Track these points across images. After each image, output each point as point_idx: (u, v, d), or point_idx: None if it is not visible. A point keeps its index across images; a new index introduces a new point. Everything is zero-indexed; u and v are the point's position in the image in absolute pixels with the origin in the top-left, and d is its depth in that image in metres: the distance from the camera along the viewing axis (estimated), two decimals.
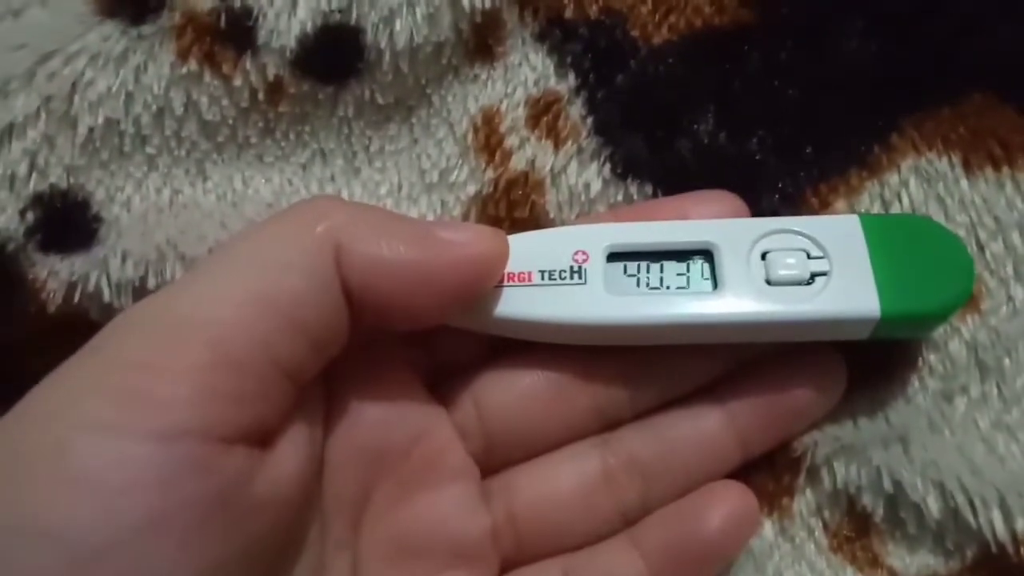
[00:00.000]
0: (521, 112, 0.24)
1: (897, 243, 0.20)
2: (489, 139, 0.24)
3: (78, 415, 0.15)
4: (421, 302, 0.18)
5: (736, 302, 0.19)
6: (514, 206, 0.24)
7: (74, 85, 0.22)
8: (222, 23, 0.22)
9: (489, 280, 0.19)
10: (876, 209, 0.23)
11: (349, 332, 0.18)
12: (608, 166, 0.24)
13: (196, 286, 0.17)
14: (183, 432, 0.15)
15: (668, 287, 0.20)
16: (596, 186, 0.24)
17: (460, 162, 0.24)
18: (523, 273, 0.20)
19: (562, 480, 0.21)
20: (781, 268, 0.20)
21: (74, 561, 0.14)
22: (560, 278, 0.20)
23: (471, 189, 0.24)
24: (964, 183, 0.23)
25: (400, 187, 0.25)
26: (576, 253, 0.20)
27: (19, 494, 0.14)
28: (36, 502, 0.14)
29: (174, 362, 0.15)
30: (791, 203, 0.23)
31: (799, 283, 0.20)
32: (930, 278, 0.19)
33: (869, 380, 0.22)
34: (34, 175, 0.22)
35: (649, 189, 0.24)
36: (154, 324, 0.16)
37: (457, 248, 0.18)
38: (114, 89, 0.22)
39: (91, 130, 0.22)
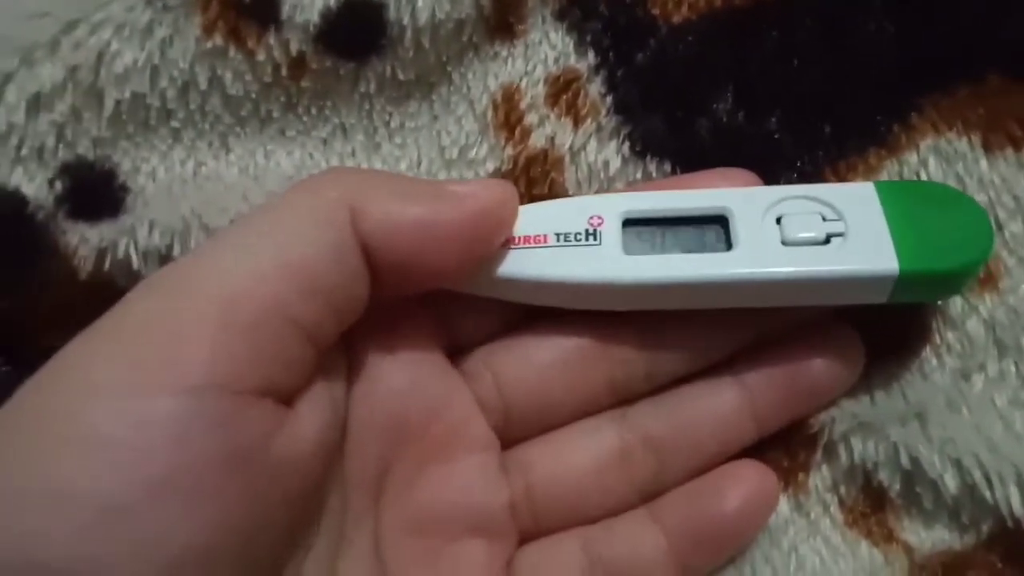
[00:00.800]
0: (541, 90, 0.25)
1: (913, 206, 0.20)
2: (509, 116, 0.24)
3: (92, 377, 0.15)
4: (437, 257, 0.18)
5: (751, 261, 0.19)
6: (533, 183, 0.24)
7: (100, 56, 0.22)
8: None
9: (500, 230, 0.19)
10: None
11: (367, 294, 0.18)
12: (627, 144, 0.24)
13: (212, 252, 0.17)
14: (198, 389, 0.15)
15: (683, 249, 0.20)
16: (615, 164, 0.24)
17: (480, 139, 0.25)
18: (539, 236, 0.20)
19: (579, 455, 0.21)
20: (796, 229, 0.20)
21: (88, 521, 0.14)
22: (575, 240, 0.20)
23: (490, 166, 0.24)
24: (983, 163, 0.23)
25: (420, 163, 0.25)
26: (592, 218, 0.20)
27: (32, 456, 0.14)
28: (48, 463, 0.14)
29: (189, 323, 0.15)
30: (809, 181, 0.23)
31: (815, 243, 0.20)
32: (948, 237, 0.19)
33: (886, 358, 0.22)
34: (61, 146, 0.22)
35: (668, 167, 0.24)
36: (170, 289, 0.16)
37: (468, 200, 0.18)
38: (140, 63, 0.22)
39: (118, 103, 0.22)
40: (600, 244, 0.20)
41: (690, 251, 0.20)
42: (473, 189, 0.19)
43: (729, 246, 0.20)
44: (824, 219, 0.20)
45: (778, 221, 0.20)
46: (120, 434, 0.14)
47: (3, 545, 0.14)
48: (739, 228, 0.20)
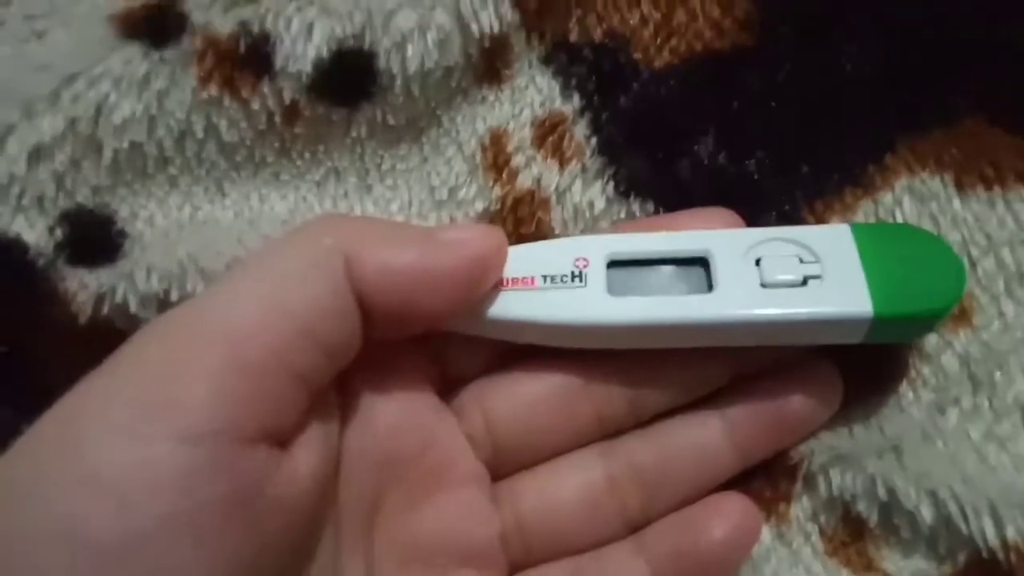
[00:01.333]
0: (528, 132, 0.25)
1: (888, 248, 0.20)
2: (497, 158, 0.25)
3: (99, 418, 0.15)
4: (428, 302, 0.19)
5: (731, 303, 0.20)
6: (521, 223, 0.25)
7: (99, 108, 0.23)
8: (241, 48, 0.23)
9: (491, 275, 0.20)
10: None
11: (361, 338, 0.19)
12: (612, 184, 0.25)
13: (213, 298, 0.17)
14: (202, 434, 0.15)
15: (666, 290, 0.21)
16: (600, 204, 0.25)
17: (469, 180, 0.25)
18: (526, 278, 0.21)
19: (567, 487, 0.22)
20: (775, 271, 0.20)
21: (92, 560, 0.14)
22: (562, 281, 0.21)
23: (479, 206, 0.25)
24: (956, 202, 0.23)
25: (411, 204, 0.25)
26: (577, 259, 0.21)
27: (39, 493, 0.15)
28: (55, 501, 0.15)
29: (192, 368, 0.16)
30: (788, 221, 0.24)
31: (792, 285, 0.20)
32: (921, 280, 0.20)
33: (864, 391, 0.23)
34: (61, 195, 0.23)
35: (651, 207, 0.25)
36: (174, 334, 0.17)
37: (458, 247, 0.19)
38: (138, 114, 0.23)
39: (116, 153, 0.23)
40: (586, 286, 0.21)
41: (673, 293, 0.21)
42: (464, 236, 0.19)
43: (710, 287, 0.21)
44: (801, 261, 0.20)
45: (757, 263, 0.21)
46: (128, 476, 0.15)
47: None
48: (720, 269, 0.21)
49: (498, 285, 0.21)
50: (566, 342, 0.21)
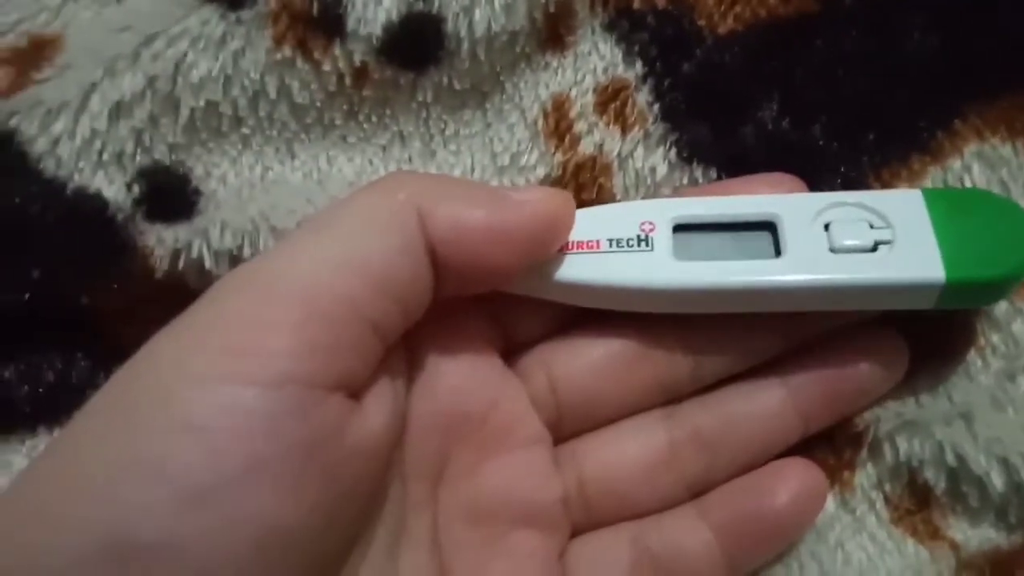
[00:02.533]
0: (590, 99, 0.25)
1: (960, 214, 0.20)
2: (559, 124, 0.25)
3: (185, 365, 0.16)
4: (499, 259, 0.19)
5: (800, 268, 0.20)
6: (582, 188, 0.25)
7: (177, 67, 0.23)
8: (314, 11, 0.23)
9: (559, 235, 0.20)
10: None
11: (432, 292, 0.19)
12: (674, 151, 0.25)
13: (289, 251, 0.18)
14: (283, 380, 0.16)
15: (733, 255, 0.21)
16: (662, 170, 0.25)
17: (530, 146, 0.25)
18: (591, 242, 0.21)
19: (629, 451, 0.22)
20: (844, 237, 0.20)
21: (181, 499, 0.14)
22: (628, 245, 0.21)
23: (541, 172, 0.25)
24: None
25: (473, 169, 0.26)
26: (643, 223, 0.21)
27: (131, 436, 0.15)
28: (147, 444, 0.15)
29: (273, 317, 0.16)
30: (853, 188, 0.24)
31: (862, 251, 0.20)
32: (994, 246, 0.20)
33: (931, 359, 0.23)
34: (139, 152, 0.24)
35: (713, 173, 0.25)
36: (253, 284, 0.17)
37: (529, 206, 0.19)
38: (215, 72, 0.23)
39: (192, 111, 0.24)
40: (652, 250, 0.21)
41: (740, 257, 0.21)
42: (534, 196, 0.19)
43: (778, 252, 0.20)
44: (872, 226, 0.20)
45: (826, 228, 0.20)
46: (212, 420, 0.15)
47: (100, 521, 0.14)
48: (787, 234, 0.20)
49: (563, 248, 0.21)
50: (631, 306, 0.21)
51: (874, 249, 0.20)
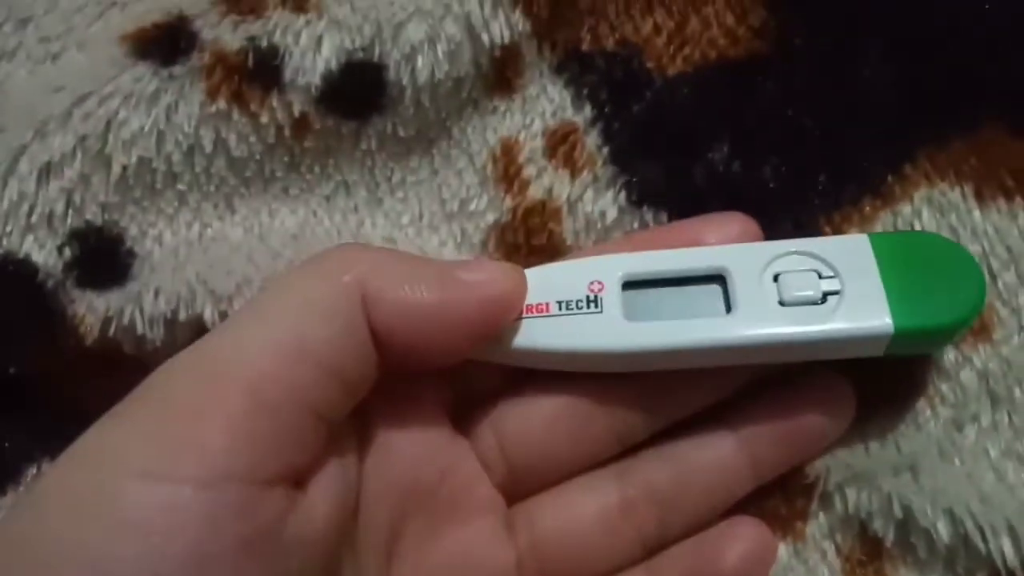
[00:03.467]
0: (539, 142, 0.25)
1: (907, 259, 0.20)
2: (508, 169, 0.25)
3: (127, 461, 0.16)
4: (446, 342, 0.19)
5: (750, 324, 0.20)
6: (532, 234, 0.25)
7: (108, 124, 0.23)
8: (250, 62, 0.23)
9: (509, 316, 0.20)
10: None
11: (377, 373, 0.19)
12: (624, 194, 0.24)
13: (233, 336, 0.17)
14: (225, 477, 0.15)
15: (683, 313, 0.21)
16: (612, 214, 0.24)
17: (479, 192, 0.25)
18: (541, 305, 0.20)
19: (582, 511, 0.21)
20: (793, 289, 0.20)
21: None
22: (577, 308, 0.20)
23: (490, 218, 0.25)
24: (976, 213, 0.23)
25: (421, 216, 0.25)
26: (592, 283, 0.21)
27: (68, 532, 0.15)
28: (85, 541, 0.15)
29: (213, 409, 0.16)
30: (805, 232, 0.24)
31: (812, 303, 0.20)
32: (942, 291, 0.20)
33: (880, 408, 0.23)
34: (71, 212, 0.23)
35: (664, 216, 0.24)
36: (195, 372, 0.17)
37: (478, 288, 0.19)
38: (146, 128, 0.23)
39: (124, 168, 0.23)
40: (601, 311, 0.20)
41: (690, 315, 0.20)
42: (484, 276, 0.19)
43: (728, 307, 0.20)
44: (820, 275, 0.20)
45: (775, 279, 0.20)
46: (150, 518, 0.15)
47: None
48: (738, 288, 0.20)
49: None
50: (583, 368, 0.21)
51: (823, 300, 0.20)
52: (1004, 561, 0.20)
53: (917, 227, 0.23)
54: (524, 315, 0.20)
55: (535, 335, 0.20)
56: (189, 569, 0.15)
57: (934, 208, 0.23)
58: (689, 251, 0.21)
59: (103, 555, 0.15)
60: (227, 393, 0.16)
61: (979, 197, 0.23)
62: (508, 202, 0.25)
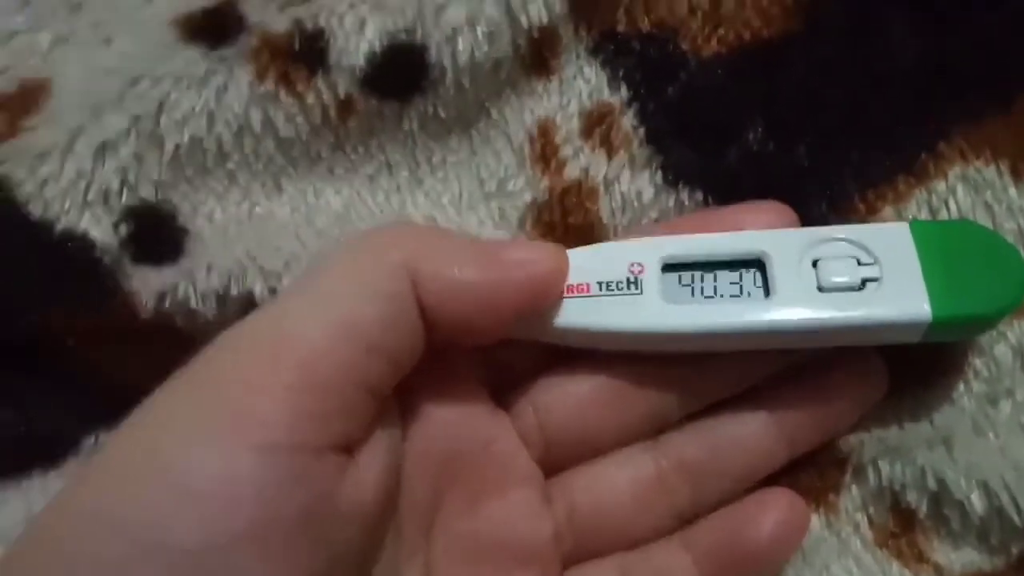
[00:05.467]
0: (575, 123, 0.25)
1: (947, 248, 0.20)
2: (545, 149, 0.25)
3: (184, 430, 0.16)
4: (491, 320, 0.19)
5: (788, 308, 0.20)
6: (568, 213, 0.25)
7: (160, 105, 0.23)
8: (296, 44, 0.24)
9: (552, 295, 0.20)
10: (923, 215, 0.24)
11: (424, 348, 0.19)
12: (659, 174, 0.25)
13: (287, 311, 0.18)
14: (279, 447, 0.16)
15: (722, 295, 0.21)
16: (648, 193, 0.25)
17: (517, 172, 0.26)
18: (581, 285, 0.21)
19: (618, 482, 0.22)
20: (832, 275, 0.20)
21: (175, 565, 0.15)
22: (617, 289, 0.21)
23: (527, 197, 0.25)
24: (1012, 191, 0.23)
25: (461, 196, 0.26)
26: (632, 265, 0.21)
27: (130, 501, 0.15)
28: (147, 510, 0.15)
29: (270, 382, 0.16)
30: (838, 209, 0.24)
31: (850, 289, 0.20)
32: (981, 281, 0.20)
33: (914, 383, 0.23)
34: (126, 190, 0.24)
35: (700, 196, 0.25)
36: (249, 347, 0.17)
37: (523, 268, 0.19)
38: (197, 109, 0.23)
39: (177, 148, 0.24)
40: (641, 293, 0.21)
41: (729, 298, 0.21)
42: (529, 256, 0.20)
43: (767, 292, 0.20)
44: (859, 263, 0.20)
45: (814, 264, 0.21)
46: (208, 487, 0.15)
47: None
48: (777, 272, 0.20)
49: None
50: (622, 348, 0.21)
51: (862, 287, 0.20)
52: None
53: (951, 204, 0.23)
54: (565, 295, 0.21)
55: (575, 315, 0.21)
56: (245, 541, 0.15)
57: (969, 185, 0.23)
58: (729, 235, 0.22)
59: (161, 525, 0.15)
60: (281, 368, 0.17)
61: (1015, 174, 0.23)
62: (545, 182, 0.25)
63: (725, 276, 0.21)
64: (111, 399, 0.18)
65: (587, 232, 0.25)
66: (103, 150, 0.23)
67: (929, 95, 0.24)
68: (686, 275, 0.21)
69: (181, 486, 0.15)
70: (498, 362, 0.22)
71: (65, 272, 0.23)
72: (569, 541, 0.22)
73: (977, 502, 0.21)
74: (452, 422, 0.21)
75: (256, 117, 0.24)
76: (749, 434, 0.22)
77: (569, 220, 0.25)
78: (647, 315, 0.20)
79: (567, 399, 0.22)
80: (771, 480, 0.22)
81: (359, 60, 0.24)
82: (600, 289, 0.21)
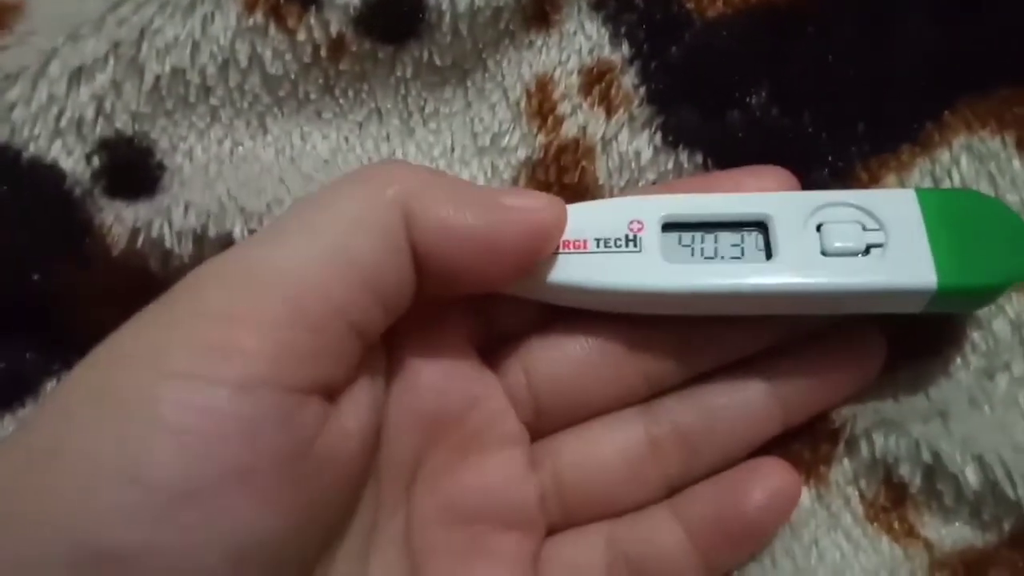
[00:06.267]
0: (575, 80, 0.25)
1: (954, 217, 0.20)
2: (542, 105, 0.25)
3: (166, 364, 0.15)
4: (485, 266, 0.18)
5: (790, 271, 0.20)
6: (564, 172, 0.24)
7: (142, 32, 0.22)
8: None
9: (549, 245, 0.19)
10: (926, 185, 0.23)
11: (414, 293, 0.18)
12: (659, 134, 0.24)
13: (274, 243, 0.17)
14: (263, 383, 0.15)
15: (723, 256, 0.20)
16: (647, 154, 0.24)
17: (512, 127, 0.25)
18: (578, 241, 0.20)
19: (607, 448, 0.21)
20: (836, 239, 0.20)
21: (160, 504, 0.14)
22: (615, 246, 0.20)
23: (522, 154, 0.25)
24: (1016, 163, 0.23)
25: (453, 149, 0.25)
26: (632, 222, 0.20)
27: (103, 437, 0.15)
28: (124, 444, 0.14)
29: (255, 316, 0.16)
30: (841, 177, 0.24)
31: (854, 254, 0.20)
32: (987, 251, 0.20)
33: (911, 356, 0.23)
34: (100, 120, 0.22)
35: (700, 158, 0.24)
36: (234, 277, 0.16)
37: (521, 214, 0.18)
38: (181, 38, 0.22)
39: (158, 78, 0.23)
40: (640, 251, 0.20)
41: (731, 259, 0.20)
42: (528, 203, 0.19)
43: (769, 255, 0.20)
44: (864, 228, 0.20)
45: (818, 228, 0.20)
46: (190, 423, 0.15)
47: (72, 528, 0.14)
48: (779, 235, 0.20)
49: None
50: (619, 307, 0.21)
51: (866, 252, 0.20)
52: None
53: (955, 175, 0.23)
54: (562, 251, 0.20)
55: (571, 271, 0.20)
56: (227, 477, 0.15)
57: (973, 156, 0.23)
58: (732, 196, 0.21)
59: (139, 459, 0.14)
60: (267, 300, 0.16)
61: (1020, 146, 0.23)
62: (541, 139, 0.24)
63: (726, 237, 0.21)
64: (80, 345, 0.16)
65: (582, 192, 0.24)
66: (79, 75, 0.22)
67: (939, 66, 0.24)
68: (686, 235, 0.21)
69: (158, 420, 0.14)
70: (489, 321, 0.22)
71: (31, 201, 0.22)
72: (555, 506, 0.21)
73: (971, 476, 0.21)
74: (438, 379, 0.20)
75: (243, 51, 0.23)
76: (744, 402, 0.21)
77: (564, 179, 0.24)
78: (645, 274, 0.20)
79: (559, 360, 0.21)
80: (762, 450, 0.22)
81: None
82: (598, 246, 0.20)
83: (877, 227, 0.20)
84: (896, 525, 0.22)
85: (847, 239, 0.20)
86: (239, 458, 0.15)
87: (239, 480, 0.15)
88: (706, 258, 0.20)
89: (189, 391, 0.15)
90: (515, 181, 0.25)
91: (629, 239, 0.20)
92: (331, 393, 0.17)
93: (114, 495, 0.14)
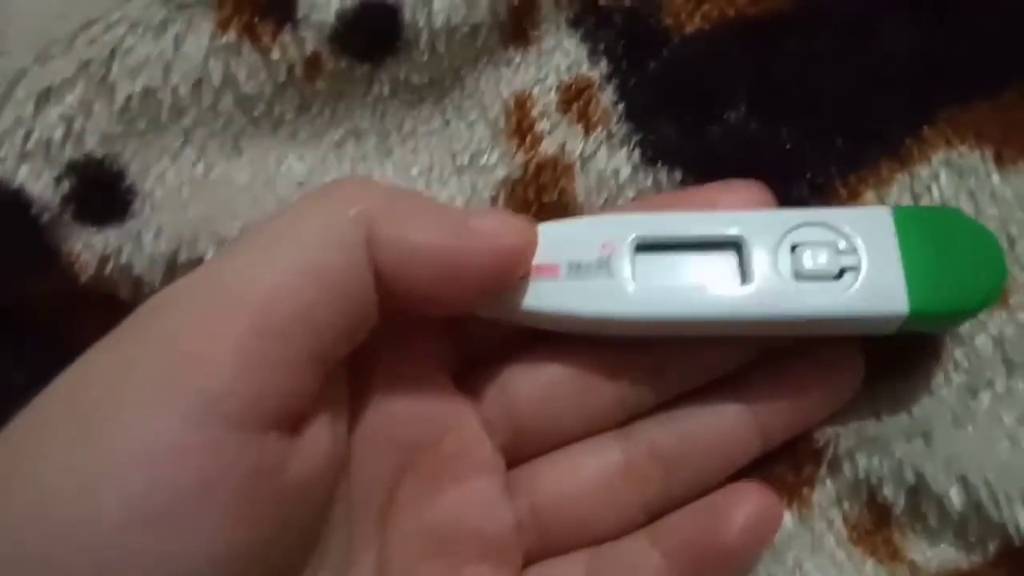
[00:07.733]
0: (553, 97, 0.24)
1: (929, 237, 0.20)
2: (520, 123, 0.24)
3: (120, 390, 0.15)
4: (450, 290, 0.18)
5: (764, 297, 0.19)
6: (543, 190, 0.24)
7: (113, 52, 0.22)
8: None
9: (516, 270, 0.19)
10: (905, 201, 0.23)
11: (377, 317, 0.18)
12: (638, 151, 0.24)
13: (238, 259, 0.17)
14: (230, 397, 0.15)
15: (696, 281, 0.20)
16: (625, 171, 0.24)
17: (491, 145, 0.24)
18: (551, 266, 0.20)
19: (585, 473, 0.21)
20: (810, 262, 0.20)
21: (112, 530, 0.14)
22: (587, 271, 0.20)
23: (501, 173, 0.24)
24: (996, 177, 0.23)
25: (431, 169, 0.25)
26: (604, 244, 0.20)
27: (60, 462, 0.15)
28: (78, 472, 0.14)
29: (217, 332, 0.15)
30: (820, 192, 0.23)
31: (827, 278, 0.19)
32: (961, 274, 0.19)
33: (893, 374, 0.22)
34: (70, 142, 0.22)
35: (679, 175, 0.24)
36: (200, 294, 0.16)
37: (487, 238, 0.18)
38: (153, 57, 0.22)
39: (129, 98, 0.22)
40: (612, 277, 0.20)
41: (704, 283, 0.20)
42: (496, 227, 0.18)
43: (744, 279, 0.20)
44: (838, 250, 0.20)
45: (793, 249, 0.20)
46: (150, 448, 0.14)
47: (30, 540, 0.14)
48: (754, 257, 0.20)
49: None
50: (592, 333, 0.20)
51: (839, 276, 0.20)
52: (1018, 529, 0.20)
53: (935, 190, 0.23)
54: (534, 277, 0.20)
55: (543, 298, 0.20)
56: (195, 496, 0.14)
57: (953, 171, 0.23)
58: (706, 215, 0.21)
59: (102, 483, 0.14)
60: (232, 314, 0.16)
61: (999, 161, 0.23)
62: (520, 157, 0.24)
63: (700, 260, 0.20)
64: (51, 363, 0.16)
65: (562, 211, 0.24)
66: (47, 95, 0.22)
67: (917, 82, 0.24)
68: (660, 256, 0.20)
69: (119, 445, 0.14)
70: (463, 345, 0.21)
71: None
72: (532, 533, 0.21)
73: (956, 497, 0.20)
74: (409, 407, 0.20)
75: (216, 69, 0.22)
76: (722, 423, 0.21)
77: (544, 198, 0.24)
78: (618, 302, 0.20)
79: (535, 385, 0.21)
80: (743, 472, 0.22)
81: (329, 16, 0.22)
82: (570, 271, 0.20)
83: (850, 249, 0.20)
84: (880, 547, 0.22)
85: (820, 262, 0.20)
86: (203, 475, 0.15)
87: (203, 498, 0.15)
88: (679, 283, 0.20)
89: (148, 416, 0.15)
90: (494, 200, 0.24)
91: (602, 262, 0.20)
92: (293, 424, 0.17)
93: (72, 510, 0.14)
